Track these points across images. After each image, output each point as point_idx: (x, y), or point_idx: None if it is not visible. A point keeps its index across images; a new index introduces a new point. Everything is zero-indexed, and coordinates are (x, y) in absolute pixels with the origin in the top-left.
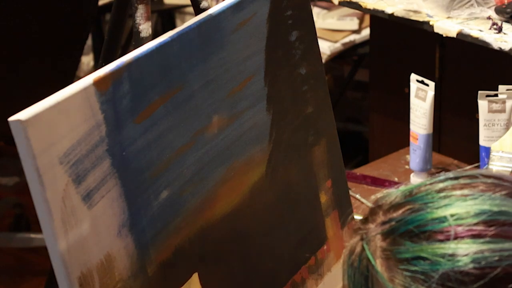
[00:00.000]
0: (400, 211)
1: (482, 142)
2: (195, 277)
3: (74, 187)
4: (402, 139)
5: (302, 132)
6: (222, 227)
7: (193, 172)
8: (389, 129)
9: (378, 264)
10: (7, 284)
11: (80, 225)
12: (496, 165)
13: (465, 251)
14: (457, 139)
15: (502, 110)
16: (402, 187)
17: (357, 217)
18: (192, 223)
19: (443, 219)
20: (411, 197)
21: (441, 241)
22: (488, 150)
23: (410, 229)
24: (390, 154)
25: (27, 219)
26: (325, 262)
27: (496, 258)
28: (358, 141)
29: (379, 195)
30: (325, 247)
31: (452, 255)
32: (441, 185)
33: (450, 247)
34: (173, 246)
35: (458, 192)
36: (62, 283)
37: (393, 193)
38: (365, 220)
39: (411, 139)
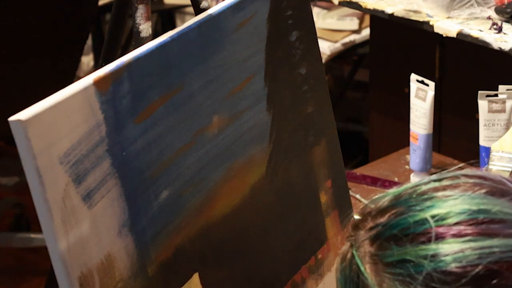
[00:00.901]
0: (386, 216)
1: (482, 142)
2: (195, 277)
3: (74, 187)
4: (402, 139)
5: (302, 132)
6: (222, 227)
7: (193, 172)
8: (389, 129)
9: (367, 270)
10: (7, 284)
11: (80, 225)
12: (496, 165)
13: (446, 251)
14: (457, 139)
15: (502, 110)
16: (391, 191)
17: (357, 217)
18: (193, 223)
19: (424, 221)
20: (396, 201)
21: (424, 242)
22: (488, 150)
23: (395, 233)
24: (390, 154)
25: (27, 219)
26: (325, 262)
27: (477, 256)
28: (358, 141)
29: (368, 201)
30: (325, 247)
31: (434, 255)
32: (424, 187)
33: (432, 248)
34: (174, 246)
35: (439, 194)
36: (62, 283)
37: (381, 198)
38: (355, 227)
39: (411, 139)
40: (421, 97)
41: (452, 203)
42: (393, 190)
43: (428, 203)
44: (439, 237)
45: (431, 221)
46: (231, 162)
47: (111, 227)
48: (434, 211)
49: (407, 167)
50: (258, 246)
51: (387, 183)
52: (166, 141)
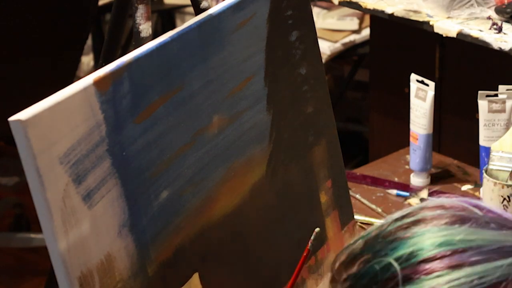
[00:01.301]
0: (356, 265)
1: (482, 142)
2: (195, 277)
3: (74, 187)
4: (402, 139)
5: (302, 132)
6: (222, 227)
7: (193, 172)
8: (389, 129)
9: None
10: (7, 284)
11: (80, 225)
12: (496, 165)
13: None
14: (457, 139)
15: (502, 110)
16: (361, 234)
17: (357, 217)
18: (193, 223)
19: (389, 266)
20: (365, 247)
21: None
22: (488, 150)
23: (364, 283)
24: (390, 154)
25: (27, 219)
26: (325, 262)
27: None
28: (358, 141)
29: (342, 249)
30: (325, 247)
31: None
32: (388, 228)
33: None
34: (174, 246)
35: (402, 233)
36: (62, 283)
37: (353, 244)
38: (332, 280)
39: (411, 139)
40: (421, 97)
41: (415, 241)
42: (362, 234)
43: (391, 246)
44: (406, 280)
45: (395, 264)
46: (231, 162)
47: (111, 227)
48: (398, 253)
49: (407, 167)
50: (258, 246)
51: (387, 183)
52: (166, 141)
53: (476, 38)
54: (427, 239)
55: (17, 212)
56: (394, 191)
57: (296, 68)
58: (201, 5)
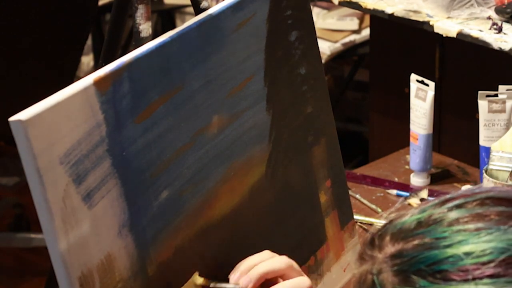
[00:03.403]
0: (411, 245)
1: (482, 142)
2: (195, 277)
3: (75, 187)
4: (402, 139)
5: (302, 132)
6: (222, 227)
7: (193, 172)
8: (389, 129)
9: None
10: (7, 284)
11: (80, 225)
12: (496, 165)
13: None
14: (457, 139)
15: (502, 110)
16: (414, 215)
17: (357, 217)
18: (192, 223)
19: (458, 258)
20: (421, 228)
21: (458, 281)
22: (488, 150)
23: (424, 268)
24: (390, 154)
25: (27, 219)
26: (325, 262)
27: None
28: (358, 141)
29: (387, 216)
30: (324, 247)
31: None
32: (451, 215)
33: None
34: (173, 246)
35: (471, 226)
36: (62, 283)
37: (400, 222)
38: (371, 246)
39: (411, 139)
40: (421, 97)
41: (487, 238)
42: (416, 215)
43: (459, 237)
44: (476, 277)
45: (466, 258)
46: (231, 162)
47: (111, 227)
48: (468, 248)
49: (407, 167)
50: (258, 246)
51: (387, 183)
52: (166, 141)
53: (476, 38)
54: (502, 242)
55: (17, 212)
56: (394, 191)
57: (296, 68)
58: (201, 5)
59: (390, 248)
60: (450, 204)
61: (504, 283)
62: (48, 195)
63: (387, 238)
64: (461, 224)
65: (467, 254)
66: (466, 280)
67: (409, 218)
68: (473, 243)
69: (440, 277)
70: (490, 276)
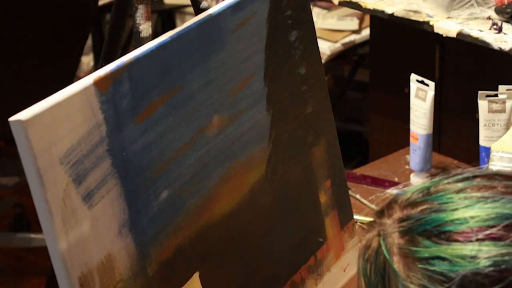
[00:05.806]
0: (418, 209)
1: (482, 142)
2: (195, 277)
3: (75, 187)
4: (402, 139)
5: (302, 132)
6: (222, 227)
7: (193, 172)
8: (389, 129)
9: (395, 261)
10: (7, 284)
11: (80, 225)
12: (496, 165)
13: (486, 254)
14: (457, 139)
15: (502, 110)
16: (419, 185)
17: (357, 217)
18: (192, 223)
19: (463, 221)
20: (429, 195)
21: (461, 242)
22: (488, 150)
23: (429, 229)
24: (390, 154)
25: (27, 219)
26: (325, 262)
27: None
28: (358, 141)
29: (395, 190)
30: (324, 247)
31: (473, 257)
32: (459, 185)
33: (471, 248)
34: (174, 246)
35: (478, 194)
36: (63, 283)
37: (410, 190)
38: (380, 214)
39: (411, 139)
40: (421, 97)
41: (492, 205)
42: (420, 185)
43: (466, 202)
44: (479, 239)
45: (471, 221)
46: (231, 162)
47: (111, 227)
48: (473, 212)
49: (407, 167)
50: (258, 246)
51: (387, 183)
52: (166, 141)
53: (476, 38)
54: (506, 208)
55: (17, 212)
56: (394, 191)
57: (296, 68)
58: (201, 5)
59: (398, 214)
60: (459, 177)
61: (505, 246)
62: (48, 195)
63: (396, 206)
64: (468, 193)
65: (472, 217)
66: (469, 241)
67: (418, 187)
68: (479, 208)
69: (444, 238)
70: (493, 239)
